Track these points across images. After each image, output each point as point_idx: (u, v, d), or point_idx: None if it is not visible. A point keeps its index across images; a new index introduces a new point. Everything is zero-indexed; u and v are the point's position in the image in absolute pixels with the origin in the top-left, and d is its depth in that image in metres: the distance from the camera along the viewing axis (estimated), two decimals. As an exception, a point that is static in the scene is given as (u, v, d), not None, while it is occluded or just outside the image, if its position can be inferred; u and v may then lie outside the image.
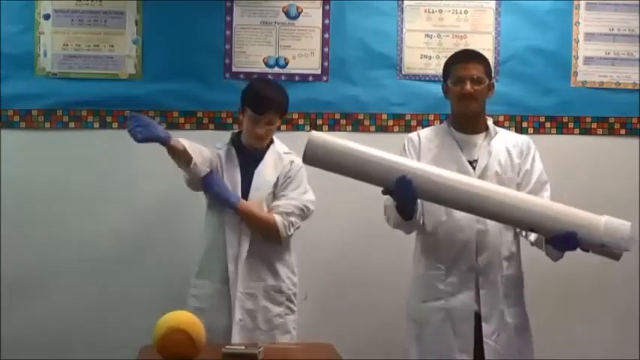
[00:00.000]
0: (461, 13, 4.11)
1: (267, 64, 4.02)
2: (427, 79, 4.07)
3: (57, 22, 3.91)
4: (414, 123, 4.07)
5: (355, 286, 4.03)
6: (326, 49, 4.04)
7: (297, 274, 3.45)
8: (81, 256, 3.91)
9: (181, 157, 3.20)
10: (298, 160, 3.31)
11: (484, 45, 4.05)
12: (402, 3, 4.07)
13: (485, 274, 3.13)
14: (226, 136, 3.51)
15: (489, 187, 3.01)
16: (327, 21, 4.04)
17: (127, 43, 3.94)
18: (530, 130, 4.09)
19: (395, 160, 2.99)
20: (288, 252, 3.42)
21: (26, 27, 3.89)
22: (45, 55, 3.90)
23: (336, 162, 2.99)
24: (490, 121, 3.27)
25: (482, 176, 3.13)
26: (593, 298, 4.16)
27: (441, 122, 3.80)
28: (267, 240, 3.34)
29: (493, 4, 4.11)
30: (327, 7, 4.04)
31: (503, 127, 3.64)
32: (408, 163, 3.04)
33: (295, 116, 4.02)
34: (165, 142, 3.14)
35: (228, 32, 4.00)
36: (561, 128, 4.17)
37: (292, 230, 3.36)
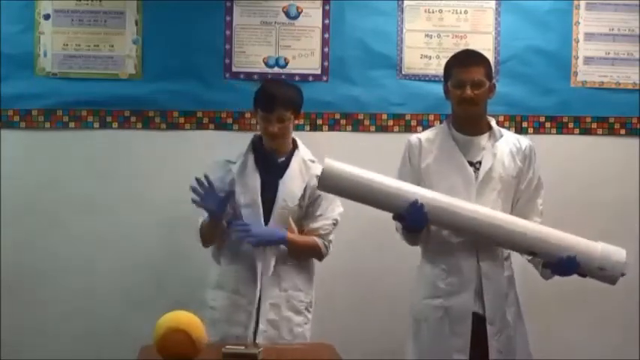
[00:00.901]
0: (461, 13, 4.11)
1: (267, 64, 4.02)
2: (427, 79, 4.07)
3: (57, 22, 3.91)
4: (414, 123, 4.07)
5: (355, 287, 4.03)
6: (326, 49, 4.04)
7: (314, 281, 3.46)
8: (81, 256, 3.91)
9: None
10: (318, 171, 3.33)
11: (484, 45, 4.05)
12: (402, 3, 4.07)
13: (487, 276, 3.13)
14: (229, 136, 3.49)
15: (494, 215, 3.07)
16: (327, 21, 4.04)
17: (127, 43, 3.94)
18: (530, 130, 4.09)
19: (406, 189, 3.07)
20: (311, 261, 3.43)
21: (26, 27, 3.89)
22: (45, 55, 3.90)
23: (349, 191, 3.11)
24: (494, 122, 3.26)
25: (485, 178, 3.14)
26: (593, 299, 4.15)
27: (440, 122, 3.80)
28: (308, 259, 3.40)
29: (493, 4, 4.10)
30: (327, 7, 4.04)
31: (503, 127, 3.63)
32: (418, 191, 3.08)
33: (295, 116, 4.02)
34: (217, 218, 3.24)
35: (228, 32, 4.00)
36: (561, 128, 4.17)
37: (331, 248, 3.41)
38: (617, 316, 4.17)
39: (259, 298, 3.28)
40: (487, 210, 3.08)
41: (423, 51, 4.09)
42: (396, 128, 4.07)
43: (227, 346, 2.86)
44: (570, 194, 4.06)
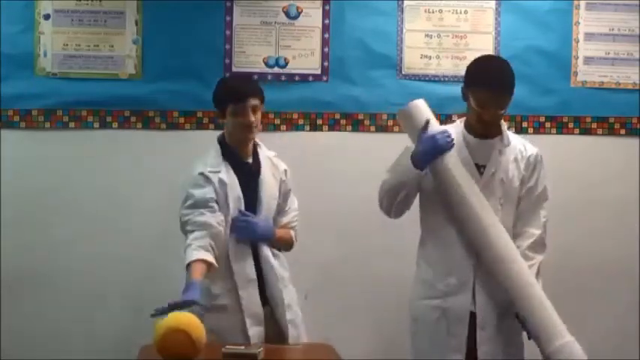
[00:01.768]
0: (461, 13, 4.10)
1: (267, 64, 4.02)
2: (427, 79, 4.07)
3: (57, 22, 3.91)
4: (414, 123, 4.06)
5: (355, 287, 4.03)
6: (326, 49, 4.04)
7: None
8: (81, 256, 3.91)
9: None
10: (286, 166, 3.36)
11: (484, 45, 4.06)
12: (402, 3, 4.07)
13: (483, 279, 3.12)
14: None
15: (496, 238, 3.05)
16: (327, 21, 4.04)
17: (127, 43, 3.94)
18: (530, 130, 4.09)
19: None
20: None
21: (26, 27, 3.89)
22: (45, 55, 3.90)
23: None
24: (505, 127, 3.21)
25: (488, 182, 3.12)
26: (593, 299, 4.16)
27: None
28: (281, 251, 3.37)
29: (493, 4, 4.10)
30: (327, 7, 4.04)
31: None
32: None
33: (295, 116, 4.02)
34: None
35: (228, 32, 4.00)
36: (561, 128, 4.17)
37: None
38: (617, 316, 4.17)
39: (266, 301, 3.23)
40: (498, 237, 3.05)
41: (423, 51, 4.09)
42: (396, 128, 4.07)
43: (227, 346, 2.86)
44: (570, 194, 4.06)
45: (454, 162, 3.08)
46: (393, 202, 3.16)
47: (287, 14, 4.03)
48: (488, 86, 3.08)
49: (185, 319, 2.72)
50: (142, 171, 3.93)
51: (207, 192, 3.16)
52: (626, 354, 4.13)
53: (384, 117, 4.07)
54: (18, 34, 3.88)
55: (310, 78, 4.04)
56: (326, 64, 4.04)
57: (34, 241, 3.89)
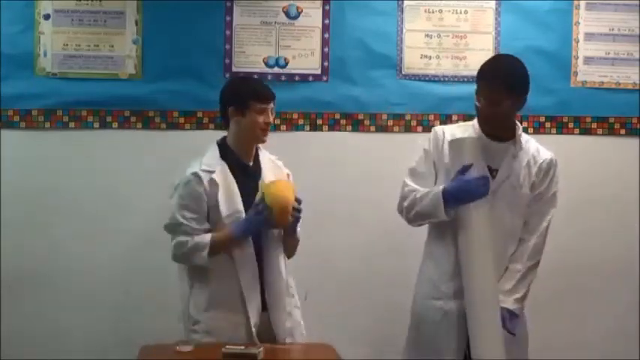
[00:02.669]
0: (461, 13, 4.10)
1: (267, 64, 4.02)
2: (427, 79, 4.07)
3: (57, 22, 3.91)
4: (414, 123, 4.07)
5: (355, 287, 4.03)
6: (326, 49, 4.04)
7: None
8: (81, 256, 3.91)
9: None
10: (288, 171, 3.37)
11: (484, 45, 4.06)
12: (402, 3, 4.07)
13: None
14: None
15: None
16: (327, 21, 4.04)
17: (127, 43, 3.94)
18: (530, 130, 4.09)
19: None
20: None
21: (26, 27, 3.89)
22: (45, 55, 3.90)
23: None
24: (520, 130, 3.17)
25: (497, 188, 3.09)
26: (593, 298, 4.16)
27: (442, 122, 3.79)
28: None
29: (493, 4, 4.10)
30: (327, 7, 4.03)
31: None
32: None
33: (295, 116, 4.02)
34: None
35: (228, 32, 4.00)
36: (561, 128, 4.17)
37: None
38: (617, 316, 4.17)
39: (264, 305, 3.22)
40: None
41: (423, 51, 4.09)
42: (396, 128, 4.07)
43: (227, 346, 2.86)
44: (570, 194, 4.05)
45: (482, 214, 3.02)
46: (420, 222, 3.19)
47: (287, 14, 4.03)
48: (484, 79, 3.08)
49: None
50: (142, 171, 3.92)
51: (197, 210, 3.16)
52: (626, 354, 4.13)
53: (384, 117, 4.07)
54: (18, 34, 3.88)
55: (310, 78, 4.04)
56: (326, 64, 4.04)
57: (34, 241, 3.89)
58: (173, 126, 3.97)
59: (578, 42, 4.15)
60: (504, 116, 3.10)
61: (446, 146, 3.14)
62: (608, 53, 4.17)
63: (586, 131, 4.18)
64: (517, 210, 3.13)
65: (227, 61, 4.00)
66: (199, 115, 3.98)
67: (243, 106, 3.21)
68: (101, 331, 3.90)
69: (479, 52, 4.03)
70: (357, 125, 4.07)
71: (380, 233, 3.84)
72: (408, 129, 4.04)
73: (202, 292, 3.18)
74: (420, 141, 3.33)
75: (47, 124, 3.92)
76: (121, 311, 3.91)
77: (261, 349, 2.87)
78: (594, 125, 4.18)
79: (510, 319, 3.05)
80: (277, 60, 4.03)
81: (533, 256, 3.15)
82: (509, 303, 3.07)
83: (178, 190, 3.19)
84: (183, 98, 3.96)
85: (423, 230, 3.28)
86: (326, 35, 4.04)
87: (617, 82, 4.17)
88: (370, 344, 4.01)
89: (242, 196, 3.20)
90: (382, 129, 4.07)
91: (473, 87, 3.17)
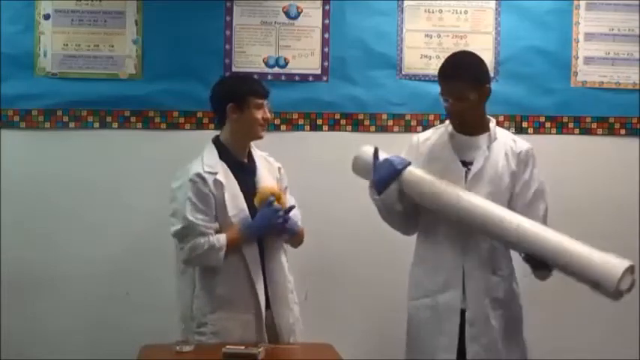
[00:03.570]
0: (461, 13, 4.11)
1: (267, 64, 4.02)
2: (427, 79, 4.07)
3: (57, 22, 3.91)
4: (414, 123, 4.07)
5: (355, 287, 4.03)
6: (326, 49, 4.04)
7: None
8: (81, 256, 3.91)
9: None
10: (279, 164, 3.38)
11: (484, 45, 4.06)
12: (402, 3, 4.07)
13: (471, 274, 3.11)
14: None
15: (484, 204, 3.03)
16: (327, 21, 4.04)
17: (127, 43, 3.94)
18: (530, 130, 4.10)
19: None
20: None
21: (26, 27, 3.89)
22: (45, 55, 3.90)
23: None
24: (493, 123, 3.21)
25: (474, 179, 3.11)
26: (593, 298, 4.15)
27: (441, 122, 3.79)
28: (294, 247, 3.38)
29: (493, 4, 4.11)
30: (327, 7, 4.04)
31: (503, 127, 3.63)
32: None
33: (295, 116, 4.02)
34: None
35: (228, 32, 4.00)
36: (561, 128, 4.17)
37: None
38: (617, 316, 4.17)
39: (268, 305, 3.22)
40: (478, 199, 3.04)
41: (423, 51, 4.09)
42: (396, 128, 4.07)
43: (227, 346, 2.86)
44: (570, 194, 4.06)
45: (418, 171, 3.11)
46: (389, 219, 3.24)
47: (287, 14, 4.03)
48: (441, 74, 3.15)
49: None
50: (142, 171, 3.92)
51: (207, 210, 3.14)
52: (626, 354, 4.13)
53: (384, 117, 4.07)
54: (18, 34, 3.88)
55: (310, 78, 4.04)
56: (326, 64, 4.04)
57: (34, 242, 3.89)
58: (173, 126, 3.97)
59: (578, 42, 4.16)
60: (473, 109, 3.12)
61: (421, 147, 3.22)
62: (608, 53, 4.17)
63: (586, 131, 4.18)
64: (498, 200, 3.09)
65: (227, 61, 4.00)
66: (199, 115, 3.98)
67: (242, 103, 3.22)
68: (101, 332, 3.90)
69: (479, 52, 4.01)
70: (357, 125, 4.07)
71: (380, 233, 3.83)
72: (408, 129, 4.04)
73: (208, 294, 3.17)
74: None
75: (47, 124, 3.92)
76: (121, 311, 3.91)
77: (262, 349, 2.87)
78: (594, 125, 4.18)
79: None
80: (277, 60, 4.03)
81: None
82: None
83: (184, 193, 3.15)
84: (183, 98, 3.96)
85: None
86: (326, 35, 4.04)
87: (617, 82, 4.18)
88: (370, 344, 4.01)
89: (243, 194, 3.21)
90: (382, 129, 4.07)
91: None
